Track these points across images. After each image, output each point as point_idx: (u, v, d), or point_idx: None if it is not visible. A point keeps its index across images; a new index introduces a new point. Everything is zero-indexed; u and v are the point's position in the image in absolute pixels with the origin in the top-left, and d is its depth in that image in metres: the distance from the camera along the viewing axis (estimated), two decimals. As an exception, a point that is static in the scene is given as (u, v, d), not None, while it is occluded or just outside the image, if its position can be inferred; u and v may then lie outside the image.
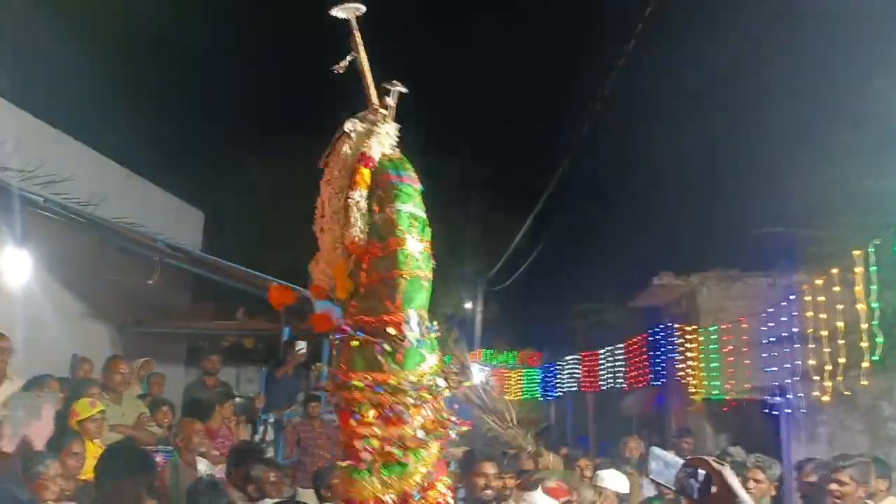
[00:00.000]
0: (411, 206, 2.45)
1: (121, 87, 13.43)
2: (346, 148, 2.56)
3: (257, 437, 7.76)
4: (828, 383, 7.12)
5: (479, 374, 22.87)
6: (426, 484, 2.27)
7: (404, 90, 2.60)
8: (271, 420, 7.80)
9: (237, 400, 8.43)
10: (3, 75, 8.27)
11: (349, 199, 2.50)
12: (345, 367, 2.32)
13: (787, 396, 8.61)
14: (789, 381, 8.47)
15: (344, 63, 2.52)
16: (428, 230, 2.48)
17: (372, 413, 2.24)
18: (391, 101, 2.58)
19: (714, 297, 10.97)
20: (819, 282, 7.30)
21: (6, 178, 6.81)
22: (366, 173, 2.50)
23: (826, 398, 7.28)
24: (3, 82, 7.86)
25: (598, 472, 5.80)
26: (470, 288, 24.01)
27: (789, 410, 8.67)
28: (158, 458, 5.33)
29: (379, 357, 2.28)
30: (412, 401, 2.26)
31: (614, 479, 5.58)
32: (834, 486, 4.11)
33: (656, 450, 2.10)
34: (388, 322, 2.31)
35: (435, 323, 2.42)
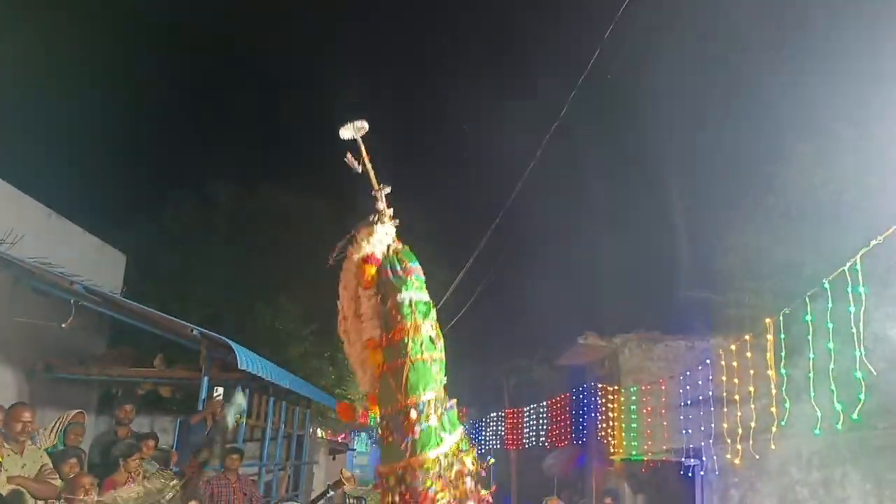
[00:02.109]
0: (411, 294, 2.64)
1: (42, 122, 13.10)
2: (354, 253, 2.79)
3: (166, 492, 7.44)
4: (739, 447, 7.32)
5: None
6: None
7: (388, 190, 2.83)
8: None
9: (151, 452, 8.09)
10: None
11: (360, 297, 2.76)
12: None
13: (702, 458, 8.82)
14: (704, 443, 8.68)
15: (352, 161, 2.76)
16: (432, 313, 2.66)
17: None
18: (381, 204, 2.81)
19: (635, 358, 11.24)
20: (733, 347, 7.56)
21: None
22: (370, 269, 2.73)
23: (738, 461, 7.47)
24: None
25: None
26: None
27: (703, 472, 8.87)
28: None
29: (400, 447, 2.43)
30: (431, 483, 2.37)
31: None
32: None
33: None
34: (399, 410, 2.47)
35: (454, 400, 2.58)
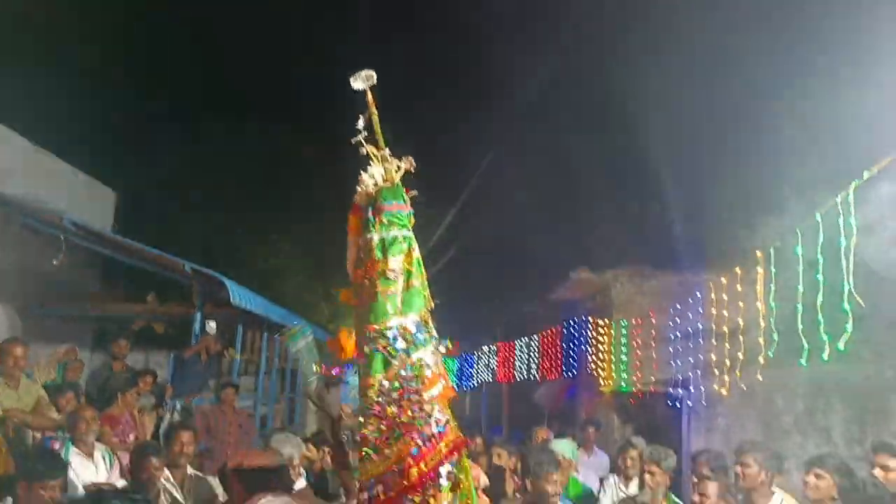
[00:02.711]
0: (379, 234, 2.89)
1: (29, 56, 12.77)
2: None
3: (164, 425, 7.57)
4: (727, 378, 7.44)
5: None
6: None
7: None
8: (178, 407, 7.60)
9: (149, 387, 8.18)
10: None
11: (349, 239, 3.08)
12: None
13: (690, 389, 8.97)
14: (692, 375, 8.83)
15: (360, 130, 2.98)
16: (401, 247, 2.89)
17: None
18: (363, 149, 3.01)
19: (627, 292, 11.32)
20: (723, 280, 7.61)
21: None
22: (353, 218, 3.05)
23: (725, 392, 7.60)
24: None
25: (554, 440, 6.60)
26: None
27: (691, 403, 9.04)
28: (56, 445, 5.17)
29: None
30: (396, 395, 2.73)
31: (568, 448, 6.26)
32: (738, 469, 4.29)
33: None
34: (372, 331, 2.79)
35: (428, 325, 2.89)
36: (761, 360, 6.61)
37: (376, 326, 2.78)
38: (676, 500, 5.02)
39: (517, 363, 16.43)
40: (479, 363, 21.33)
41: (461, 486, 2.77)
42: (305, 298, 16.59)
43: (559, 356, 13.60)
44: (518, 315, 17.65)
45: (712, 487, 4.30)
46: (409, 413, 2.73)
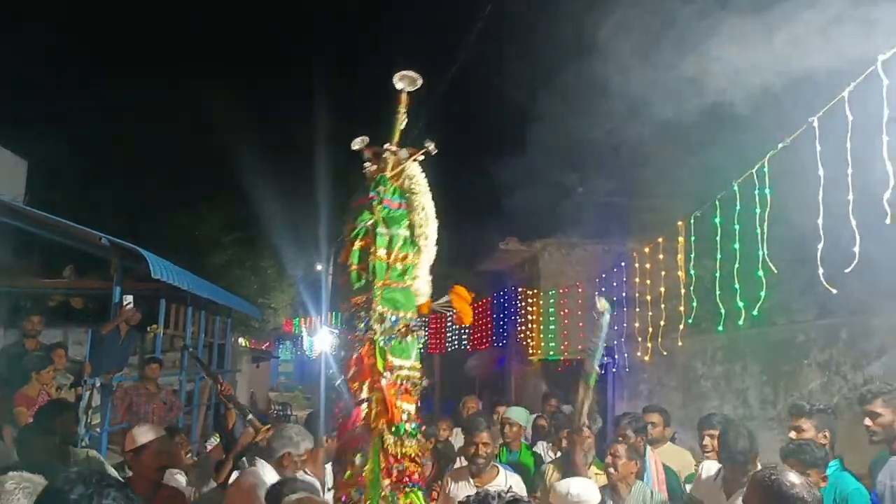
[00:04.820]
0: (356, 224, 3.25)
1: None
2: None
3: (82, 404, 7.31)
4: (649, 344, 7.66)
5: (329, 336, 22.78)
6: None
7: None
8: (98, 384, 7.35)
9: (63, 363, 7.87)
10: None
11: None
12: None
13: (615, 357, 9.21)
14: (616, 342, 9.06)
15: (360, 144, 3.43)
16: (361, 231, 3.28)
17: None
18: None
19: (554, 262, 11.51)
20: (646, 249, 7.79)
21: None
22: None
23: (647, 358, 7.83)
24: None
25: (508, 408, 6.97)
26: (320, 249, 23.67)
27: (615, 370, 9.29)
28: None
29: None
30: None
31: (520, 414, 6.63)
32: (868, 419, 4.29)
33: None
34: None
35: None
36: (681, 326, 6.82)
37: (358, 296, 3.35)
38: (601, 462, 5.16)
39: (448, 334, 16.53)
40: (410, 335, 21.38)
41: (363, 472, 3.02)
42: (235, 273, 16.25)
43: (490, 326, 13.75)
44: (448, 286, 17.69)
45: (622, 448, 4.52)
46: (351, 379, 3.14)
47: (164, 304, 9.33)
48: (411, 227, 3.44)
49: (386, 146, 3.39)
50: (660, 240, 7.51)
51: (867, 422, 4.23)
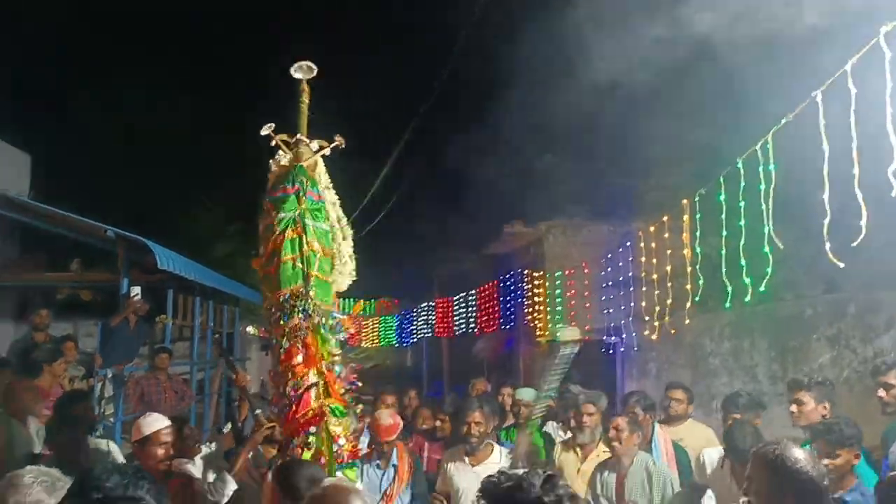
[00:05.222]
0: (280, 215, 3.34)
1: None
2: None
3: (95, 394, 7.37)
4: (657, 323, 7.66)
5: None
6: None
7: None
8: (109, 375, 7.41)
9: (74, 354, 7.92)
10: None
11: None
12: None
13: (622, 336, 9.23)
14: (624, 322, 9.06)
15: (268, 130, 3.47)
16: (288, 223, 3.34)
17: None
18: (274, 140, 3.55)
19: (559, 244, 11.49)
20: (651, 229, 7.78)
21: None
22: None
23: (655, 337, 7.84)
24: None
25: (518, 389, 6.99)
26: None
27: (623, 349, 9.31)
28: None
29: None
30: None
31: (530, 394, 6.61)
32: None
33: None
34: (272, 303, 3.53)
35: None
36: (689, 305, 6.83)
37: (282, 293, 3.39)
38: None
39: (455, 318, 16.57)
40: (418, 319, 21.44)
41: (321, 453, 3.20)
42: (240, 262, 16.28)
43: (496, 309, 13.77)
44: (455, 271, 17.73)
45: (622, 421, 4.62)
46: (284, 370, 3.24)
47: (171, 295, 9.38)
48: (329, 221, 3.52)
49: (298, 136, 3.42)
50: (665, 218, 7.49)
51: (881, 393, 4.27)
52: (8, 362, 6.66)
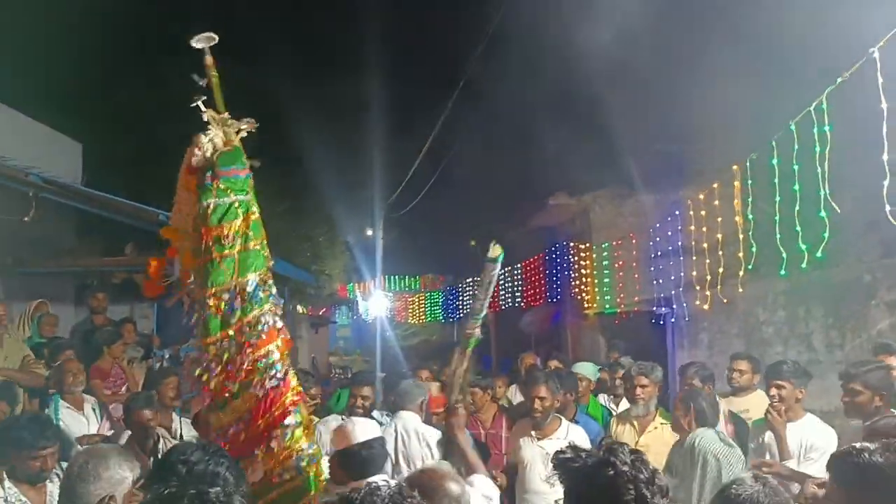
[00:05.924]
0: (214, 200, 3.08)
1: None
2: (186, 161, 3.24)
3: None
4: (708, 293, 7.56)
5: (383, 300, 23.06)
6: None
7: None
8: (167, 356, 7.60)
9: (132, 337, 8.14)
10: None
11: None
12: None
13: (672, 307, 9.11)
14: (674, 292, 8.95)
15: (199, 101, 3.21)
16: (235, 213, 3.10)
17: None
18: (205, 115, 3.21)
19: (606, 214, 11.37)
20: (701, 196, 7.64)
21: None
22: (192, 179, 3.21)
23: (706, 307, 7.73)
24: None
25: (576, 364, 7.15)
26: (371, 214, 23.85)
27: (674, 320, 9.20)
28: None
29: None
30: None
31: (588, 369, 6.81)
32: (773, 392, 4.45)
33: None
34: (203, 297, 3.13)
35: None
36: (741, 273, 6.71)
37: (213, 290, 3.04)
38: (666, 412, 5.14)
39: (501, 292, 16.56)
40: (462, 295, 21.50)
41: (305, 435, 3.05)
42: (289, 243, 16.50)
43: (543, 283, 13.72)
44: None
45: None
46: (248, 367, 2.98)
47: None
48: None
49: (224, 115, 3.26)
50: (715, 185, 7.35)
51: None
52: (71, 344, 6.88)
